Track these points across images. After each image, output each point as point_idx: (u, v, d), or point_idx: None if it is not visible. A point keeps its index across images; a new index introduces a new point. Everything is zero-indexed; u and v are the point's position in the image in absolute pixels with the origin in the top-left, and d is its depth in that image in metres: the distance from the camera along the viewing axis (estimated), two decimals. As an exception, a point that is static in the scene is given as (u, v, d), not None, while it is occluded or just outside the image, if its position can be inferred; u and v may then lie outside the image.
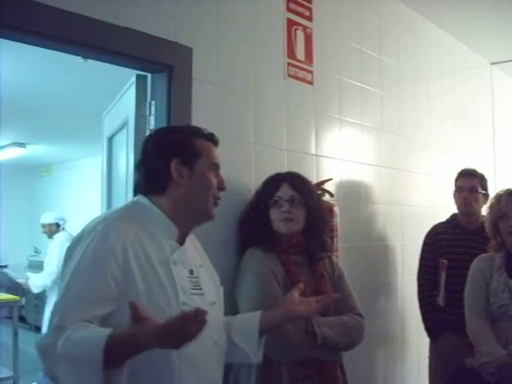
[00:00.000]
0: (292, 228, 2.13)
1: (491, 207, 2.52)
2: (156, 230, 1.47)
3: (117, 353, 1.14)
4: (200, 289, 1.51)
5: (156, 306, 1.36)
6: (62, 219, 5.57)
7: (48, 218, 5.52)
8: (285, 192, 2.14)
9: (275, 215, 2.13)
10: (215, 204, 1.55)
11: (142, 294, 1.35)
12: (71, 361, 1.17)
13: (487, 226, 2.52)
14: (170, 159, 1.49)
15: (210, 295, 1.55)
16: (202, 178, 1.52)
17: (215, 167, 1.56)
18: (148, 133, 2.19)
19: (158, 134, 1.65)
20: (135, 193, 1.57)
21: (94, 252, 1.33)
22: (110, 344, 1.12)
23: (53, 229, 5.47)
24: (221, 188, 1.56)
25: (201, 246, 1.70)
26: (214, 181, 1.54)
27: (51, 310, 1.33)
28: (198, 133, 1.58)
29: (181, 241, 1.52)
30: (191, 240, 1.61)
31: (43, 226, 5.51)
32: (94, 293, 1.30)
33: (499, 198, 2.48)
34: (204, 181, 1.52)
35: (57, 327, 1.25)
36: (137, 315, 1.10)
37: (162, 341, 1.09)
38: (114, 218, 1.44)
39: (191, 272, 1.51)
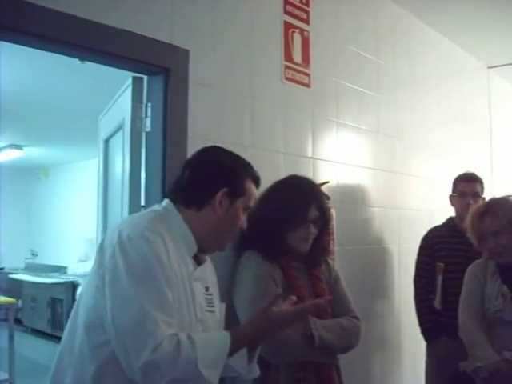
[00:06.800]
0: (309, 246, 2.13)
1: (472, 225, 2.49)
2: (180, 243, 1.47)
3: (236, 348, 1.35)
4: (213, 306, 1.55)
5: (181, 315, 1.37)
6: None
7: None
8: (312, 214, 2.11)
9: (299, 234, 2.10)
10: (232, 240, 1.65)
11: (174, 301, 1.36)
12: (206, 360, 1.29)
13: (473, 241, 2.51)
14: (220, 186, 1.51)
15: (218, 313, 1.58)
16: (236, 216, 1.56)
17: (248, 209, 1.61)
18: (144, 135, 2.19)
19: (219, 154, 1.63)
20: (164, 193, 1.57)
21: (157, 259, 1.34)
22: (233, 343, 1.34)
23: None
24: (241, 228, 1.61)
25: (211, 263, 1.68)
26: (242, 222, 1.59)
27: (133, 321, 1.28)
28: (251, 172, 1.61)
29: (197, 259, 1.54)
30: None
31: None
32: (167, 301, 1.33)
33: (479, 216, 2.46)
34: (235, 220, 1.56)
35: (155, 345, 1.25)
36: (269, 307, 1.36)
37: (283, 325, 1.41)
38: (156, 227, 1.41)
39: (207, 289, 1.54)
